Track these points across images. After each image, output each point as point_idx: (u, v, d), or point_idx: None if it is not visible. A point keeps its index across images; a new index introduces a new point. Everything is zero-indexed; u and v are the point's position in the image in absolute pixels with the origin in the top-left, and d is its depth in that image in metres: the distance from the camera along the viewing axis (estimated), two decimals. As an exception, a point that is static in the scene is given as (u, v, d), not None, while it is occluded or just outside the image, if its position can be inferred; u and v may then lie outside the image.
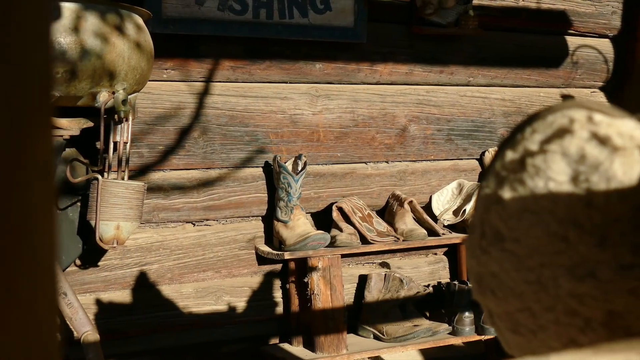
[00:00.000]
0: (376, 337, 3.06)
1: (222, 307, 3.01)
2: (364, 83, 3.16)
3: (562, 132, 0.43)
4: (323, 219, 3.11)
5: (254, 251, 3.04)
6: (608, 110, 0.42)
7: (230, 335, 3.04)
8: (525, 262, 0.53)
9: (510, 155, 0.47)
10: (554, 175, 0.46)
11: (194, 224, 2.94)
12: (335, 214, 3.04)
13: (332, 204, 3.09)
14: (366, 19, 3.02)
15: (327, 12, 2.94)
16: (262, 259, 3.04)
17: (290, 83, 3.04)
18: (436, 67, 3.28)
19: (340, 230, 2.99)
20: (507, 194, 0.49)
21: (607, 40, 3.64)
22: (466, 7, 3.13)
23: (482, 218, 0.53)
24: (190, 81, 2.87)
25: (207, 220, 2.96)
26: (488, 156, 3.35)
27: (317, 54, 3.05)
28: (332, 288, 2.91)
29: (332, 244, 2.95)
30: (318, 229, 3.03)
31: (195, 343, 2.98)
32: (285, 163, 2.90)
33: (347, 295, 3.16)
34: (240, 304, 3.04)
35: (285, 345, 3.03)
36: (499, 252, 0.53)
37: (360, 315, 3.14)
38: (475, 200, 0.52)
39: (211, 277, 2.98)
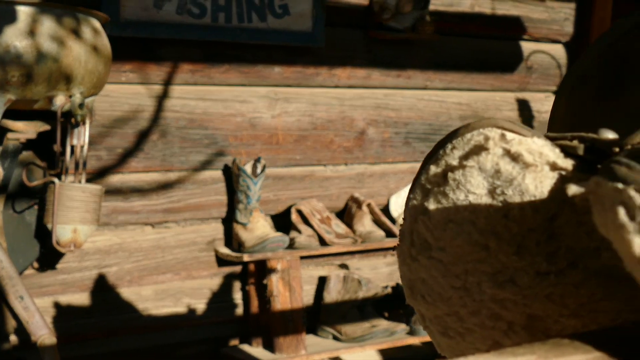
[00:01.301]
0: (335, 338, 3.09)
1: (181, 309, 3.02)
2: (323, 87, 3.20)
3: (479, 149, 0.47)
4: (282, 221, 3.14)
5: (213, 253, 3.05)
6: (519, 129, 0.46)
7: (189, 337, 3.05)
8: (451, 269, 0.56)
9: (433, 169, 0.50)
10: (473, 188, 0.49)
11: (153, 227, 2.94)
12: (295, 216, 3.07)
13: (291, 206, 3.12)
14: (324, 23, 3.05)
15: (286, 16, 2.97)
16: (221, 261, 3.06)
17: (249, 86, 3.06)
18: (394, 71, 3.33)
19: (299, 232, 3.02)
20: (432, 205, 0.52)
21: (560, 45, 3.72)
22: (423, 13, 3.19)
23: (410, 228, 0.56)
24: (149, 84, 2.87)
25: (167, 222, 2.96)
26: (445, 159, 3.41)
27: (276, 57, 3.08)
28: (291, 289, 2.94)
29: (291, 245, 2.98)
30: (277, 231, 3.05)
31: (155, 345, 2.98)
32: (244, 166, 2.92)
33: (306, 297, 3.19)
34: (200, 306, 3.05)
35: (245, 347, 3.05)
36: (427, 259, 0.56)
37: (320, 316, 3.18)
38: (404, 211, 0.55)
39: (170, 279, 2.99)
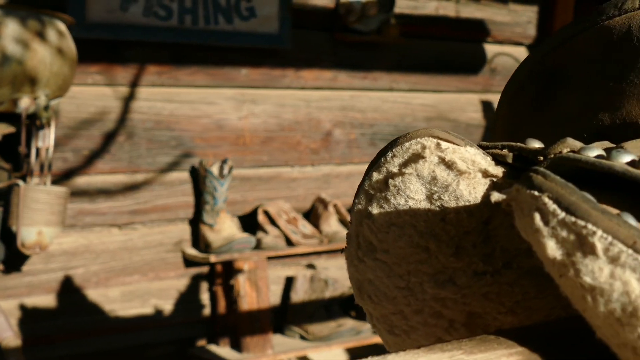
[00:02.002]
0: (302, 337, 3.12)
1: (148, 310, 3.02)
2: (289, 88, 3.22)
3: (416, 157, 0.50)
4: (249, 222, 3.16)
5: (180, 254, 3.06)
6: (454, 138, 0.49)
7: (157, 338, 3.06)
8: (394, 270, 0.59)
9: (376, 176, 0.53)
10: (412, 194, 0.52)
11: (120, 228, 2.95)
12: (261, 217, 3.09)
13: (258, 207, 3.14)
14: (290, 25, 3.07)
15: (252, 18, 2.99)
16: (188, 262, 3.07)
17: (216, 88, 3.07)
18: (360, 73, 3.36)
19: (266, 232, 3.04)
20: (375, 210, 0.55)
21: (523, 48, 3.79)
22: (388, 16, 3.22)
23: (356, 231, 0.59)
24: (116, 86, 2.87)
25: (134, 223, 2.97)
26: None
27: (243, 59, 3.09)
28: (257, 290, 2.96)
29: (258, 246, 3.00)
30: (245, 231, 3.07)
31: (122, 347, 2.98)
32: (211, 167, 2.94)
33: (273, 297, 3.21)
34: (167, 307, 3.06)
35: (212, 347, 3.06)
36: (372, 261, 0.59)
37: (287, 315, 3.20)
38: (350, 215, 0.58)
39: (138, 280, 2.99)
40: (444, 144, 0.49)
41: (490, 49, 3.69)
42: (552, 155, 0.45)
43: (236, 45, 3.03)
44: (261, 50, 3.10)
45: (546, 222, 0.37)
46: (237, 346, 2.99)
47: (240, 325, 2.97)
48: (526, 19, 3.77)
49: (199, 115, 3.04)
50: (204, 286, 3.13)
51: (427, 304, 0.59)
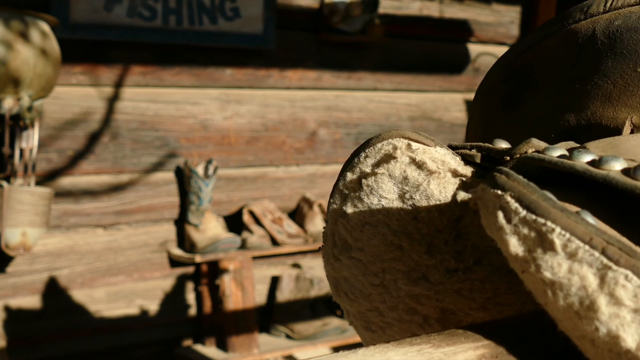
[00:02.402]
0: (288, 337, 3.13)
1: (134, 310, 3.03)
2: (274, 88, 3.23)
3: (388, 158, 0.51)
4: (235, 222, 3.16)
5: (166, 254, 3.07)
6: (424, 139, 0.50)
7: (143, 339, 3.06)
8: (369, 267, 0.60)
9: (349, 176, 0.54)
10: (385, 193, 0.53)
11: (105, 228, 2.95)
12: (247, 217, 3.10)
13: (243, 207, 3.15)
14: (275, 26, 3.08)
15: (237, 19, 2.99)
16: (174, 262, 3.07)
17: (200, 88, 3.08)
18: (344, 73, 3.38)
19: (251, 232, 3.05)
20: (349, 209, 0.56)
21: (506, 48, 3.81)
22: (372, 16, 3.24)
23: (332, 230, 0.60)
24: (100, 86, 2.87)
25: (119, 224, 2.97)
26: (395, 159, 3.47)
27: (227, 60, 3.10)
28: (243, 289, 2.97)
29: (243, 246, 3.01)
30: (230, 231, 3.08)
31: (108, 347, 2.98)
32: (196, 167, 2.95)
33: (259, 296, 3.22)
34: (153, 307, 3.06)
35: (198, 347, 3.07)
36: (347, 259, 0.61)
37: (273, 315, 3.21)
38: (326, 214, 0.59)
39: (123, 281, 2.99)
40: (414, 145, 0.50)
41: (473, 48, 3.71)
42: (518, 155, 0.46)
43: (221, 46, 3.03)
44: (246, 50, 3.11)
45: (509, 220, 0.39)
46: (223, 346, 3.00)
47: (226, 325, 2.97)
48: (509, 19, 3.80)
49: (183, 116, 3.04)
50: (190, 286, 3.13)
51: (401, 300, 0.61)
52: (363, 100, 3.45)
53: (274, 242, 3.10)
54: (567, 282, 0.37)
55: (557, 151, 0.45)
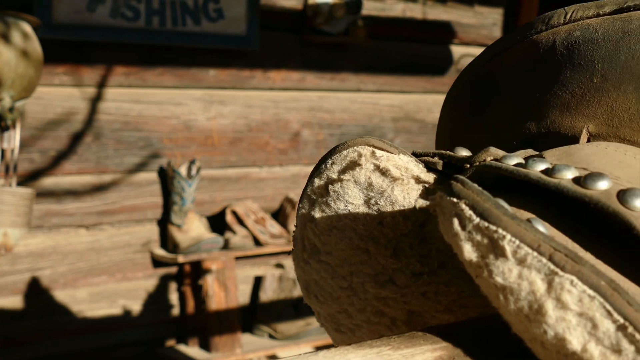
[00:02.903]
0: (271, 336, 3.15)
1: (117, 311, 3.03)
2: (257, 89, 3.24)
3: (353, 165, 0.52)
4: (218, 222, 3.17)
5: (148, 255, 3.07)
6: (388, 147, 0.52)
7: (125, 339, 3.06)
8: (337, 271, 0.62)
9: (317, 182, 0.56)
10: (351, 199, 0.55)
11: (88, 229, 2.95)
12: (230, 217, 3.11)
13: (226, 207, 3.16)
14: (258, 27, 3.09)
15: (220, 20, 3.00)
16: (157, 263, 3.08)
17: (184, 89, 3.08)
18: (328, 74, 3.39)
19: (234, 233, 3.06)
20: (317, 214, 0.58)
21: (489, 49, 3.84)
22: (355, 17, 3.26)
23: (301, 234, 0.62)
24: (83, 86, 2.87)
25: (101, 224, 2.97)
26: (378, 160, 3.49)
27: (211, 60, 3.11)
28: (226, 290, 2.98)
29: (226, 246, 3.02)
30: (213, 231, 3.09)
31: (91, 348, 2.98)
32: (179, 168, 2.95)
33: (243, 296, 3.23)
34: (136, 308, 3.07)
35: (181, 347, 3.07)
36: (316, 263, 0.62)
37: (256, 315, 3.22)
38: (296, 218, 0.61)
39: (106, 281, 2.99)
40: (378, 152, 0.52)
41: (456, 50, 3.74)
42: (477, 163, 0.48)
43: (204, 46, 3.04)
44: (229, 51, 3.12)
45: (463, 227, 0.40)
46: (206, 346, 3.00)
47: (209, 325, 2.98)
48: (492, 21, 3.82)
49: (167, 116, 3.05)
50: (173, 286, 3.14)
51: (369, 303, 0.62)
52: (346, 101, 3.47)
53: (257, 243, 3.11)
54: (517, 287, 0.38)
55: (514, 159, 0.46)
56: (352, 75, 3.46)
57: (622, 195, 0.40)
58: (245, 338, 3.10)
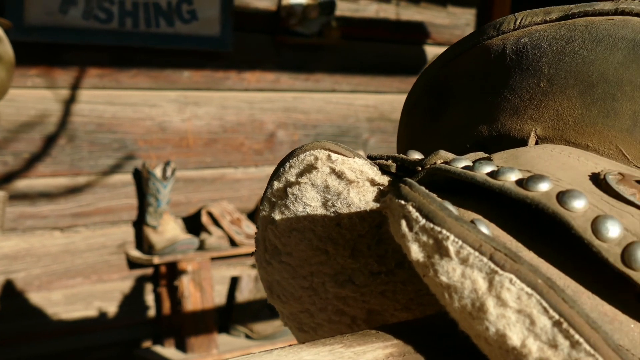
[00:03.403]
0: (247, 337, 3.15)
1: (92, 312, 3.02)
2: (232, 90, 3.25)
3: (310, 168, 0.54)
4: (193, 223, 3.17)
5: (124, 256, 3.06)
6: (343, 150, 0.53)
7: (102, 341, 3.06)
8: (298, 271, 0.63)
9: (276, 185, 0.57)
10: (309, 201, 0.56)
11: (62, 231, 2.94)
12: (205, 218, 3.11)
13: (202, 208, 3.16)
14: (232, 28, 3.10)
15: (194, 21, 3.00)
16: (132, 264, 3.07)
17: (158, 90, 3.08)
18: (302, 75, 3.41)
19: (210, 233, 3.07)
20: (277, 216, 0.59)
21: (462, 49, 3.87)
22: (329, 19, 3.27)
23: (263, 235, 0.63)
24: (56, 88, 2.86)
25: (76, 226, 2.96)
26: (353, 160, 3.50)
27: (185, 62, 3.11)
28: (202, 290, 2.98)
29: (202, 247, 3.03)
30: (189, 232, 3.09)
31: (66, 350, 2.97)
32: (154, 169, 2.95)
33: (219, 297, 3.23)
34: (111, 309, 3.06)
35: (157, 348, 3.07)
36: (278, 263, 0.64)
37: (232, 315, 3.23)
38: (257, 220, 0.62)
39: (81, 283, 2.99)
40: (334, 156, 0.53)
41: (430, 50, 3.76)
42: (428, 166, 0.50)
43: (178, 48, 3.04)
44: (203, 52, 3.12)
45: (410, 228, 0.42)
46: (182, 347, 3.01)
47: (185, 326, 2.99)
48: (465, 21, 3.86)
49: (141, 118, 3.04)
50: (149, 288, 3.13)
51: (330, 302, 0.64)
52: (321, 101, 3.48)
53: (233, 243, 3.11)
54: (461, 285, 0.40)
55: (462, 162, 0.48)
56: (326, 76, 3.47)
57: (561, 197, 0.42)
58: (222, 338, 3.11)
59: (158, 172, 2.95)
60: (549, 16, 0.54)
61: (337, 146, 0.54)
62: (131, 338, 3.12)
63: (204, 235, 3.06)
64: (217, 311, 3.17)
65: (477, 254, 0.39)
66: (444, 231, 0.40)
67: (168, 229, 2.94)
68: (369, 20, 3.55)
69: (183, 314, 2.97)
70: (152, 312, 3.14)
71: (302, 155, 0.55)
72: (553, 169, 0.46)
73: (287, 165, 0.57)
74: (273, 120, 3.35)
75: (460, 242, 0.39)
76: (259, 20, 3.25)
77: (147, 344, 3.14)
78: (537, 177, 0.43)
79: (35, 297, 2.90)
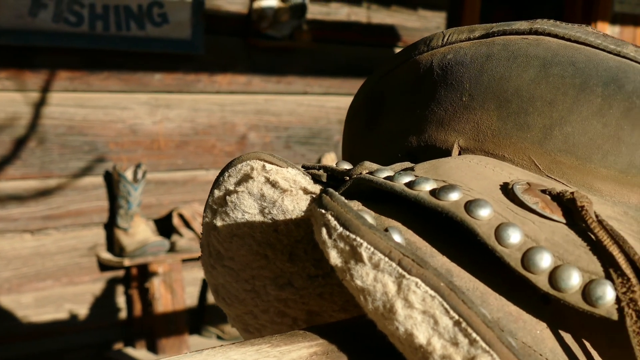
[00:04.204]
0: (218, 337, 3.17)
1: (63, 315, 3.02)
2: (204, 92, 3.26)
3: (247, 177, 0.57)
4: (165, 225, 3.19)
5: (95, 259, 3.07)
6: (277, 161, 0.56)
7: (73, 343, 3.06)
8: (240, 275, 0.66)
9: (216, 193, 0.60)
10: (247, 209, 0.59)
11: (33, 233, 2.94)
12: (176, 220, 3.13)
13: (173, 210, 3.17)
14: (203, 31, 3.11)
15: (165, 25, 3.02)
16: (103, 266, 3.08)
17: (129, 93, 3.09)
18: (274, 78, 3.43)
19: (181, 235, 3.08)
20: (219, 222, 0.62)
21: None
22: (300, 22, 3.30)
23: (206, 241, 0.66)
24: (26, 91, 2.86)
25: (47, 229, 2.96)
26: (324, 161, 3.54)
27: (156, 65, 3.12)
28: (172, 292, 3.00)
29: (172, 249, 3.04)
30: (160, 234, 3.10)
31: (38, 353, 2.98)
32: (124, 172, 2.96)
33: (191, 298, 3.25)
34: (83, 312, 3.07)
35: (129, 350, 3.08)
36: (221, 267, 0.67)
37: (204, 316, 3.25)
38: (202, 226, 0.65)
39: (51, 285, 2.99)
40: (268, 166, 0.56)
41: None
42: (355, 176, 0.53)
43: (149, 51, 3.05)
44: (175, 55, 3.13)
45: (330, 235, 0.45)
46: (153, 348, 3.02)
47: (156, 328, 3.00)
48: (435, 24, 3.90)
49: (112, 120, 3.05)
50: (120, 290, 3.14)
51: (271, 304, 0.67)
52: (293, 104, 3.51)
53: (204, 245, 3.13)
54: (373, 288, 0.43)
55: (385, 173, 0.51)
56: (298, 79, 3.50)
57: (469, 206, 0.45)
58: (193, 340, 3.12)
59: (129, 174, 2.96)
60: (473, 34, 0.58)
61: (271, 157, 0.57)
62: (103, 340, 3.12)
63: (175, 237, 3.08)
64: (188, 312, 3.18)
65: (387, 259, 0.42)
66: (358, 238, 0.43)
67: (139, 231, 2.95)
68: (341, 23, 3.58)
69: (154, 315, 2.98)
70: (123, 314, 3.15)
71: (239, 166, 0.58)
72: (467, 179, 0.50)
73: (226, 174, 0.60)
74: (245, 123, 3.38)
75: (372, 249, 0.43)
76: (230, 23, 3.27)
77: (118, 345, 3.15)
78: (448, 187, 0.46)
79: (6, 300, 2.90)
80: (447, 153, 0.57)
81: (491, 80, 0.55)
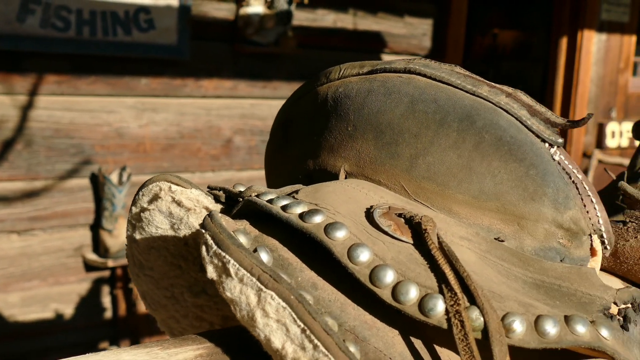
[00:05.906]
0: (202, 338, 3.24)
1: (49, 315, 3.09)
2: (190, 97, 3.33)
3: (156, 197, 0.63)
4: (150, 227, 3.24)
5: (81, 259, 3.13)
6: (183, 182, 0.63)
7: (59, 342, 3.12)
8: (160, 283, 0.73)
9: (134, 209, 0.67)
10: (159, 224, 0.66)
11: (19, 234, 3.00)
12: (161, 222, 3.19)
13: (158, 212, 3.23)
14: (189, 37, 3.18)
15: (151, 30, 3.08)
16: (89, 267, 3.14)
17: (116, 97, 3.15)
18: (260, 83, 3.49)
19: (165, 237, 3.15)
20: (138, 236, 0.69)
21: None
22: (285, 28, 3.36)
23: (130, 252, 0.72)
24: (14, 94, 2.93)
25: (33, 230, 3.03)
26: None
27: (143, 69, 3.18)
28: (156, 293, 3.06)
29: (157, 251, 3.11)
30: (145, 236, 3.17)
31: (24, 352, 3.04)
32: (110, 175, 3.02)
33: (175, 299, 3.31)
34: (69, 311, 3.13)
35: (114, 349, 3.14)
36: (144, 276, 0.73)
37: (188, 317, 3.31)
38: (126, 239, 0.71)
39: (38, 285, 3.05)
40: (174, 187, 0.63)
41: (388, 59, 3.85)
42: (245, 198, 0.59)
43: (135, 56, 3.11)
44: (161, 60, 3.19)
45: (207, 252, 0.52)
46: (137, 347, 3.08)
47: (140, 327, 3.06)
48: (421, 31, 3.97)
49: (99, 124, 3.12)
50: (105, 290, 3.21)
51: (190, 310, 0.73)
52: (279, 108, 3.56)
53: (188, 247, 3.20)
54: (239, 299, 0.49)
55: (269, 196, 0.58)
56: (284, 84, 3.57)
57: (327, 228, 0.52)
58: (177, 339, 3.19)
59: (114, 177, 3.03)
60: (362, 69, 0.64)
61: (177, 179, 0.64)
62: (88, 339, 3.19)
63: (159, 239, 3.14)
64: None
65: (249, 275, 0.49)
66: (227, 256, 0.50)
67: (123, 233, 3.01)
68: (326, 29, 3.64)
69: (138, 315, 3.05)
70: (109, 314, 3.21)
71: (150, 186, 0.65)
72: (338, 202, 0.56)
73: (140, 193, 0.66)
74: (230, 127, 3.44)
75: (237, 265, 0.49)
76: (217, 29, 3.33)
77: (104, 345, 3.21)
78: (314, 211, 0.53)
79: (-7, 299, 2.97)
80: (336, 176, 0.64)
81: (370, 113, 0.61)
